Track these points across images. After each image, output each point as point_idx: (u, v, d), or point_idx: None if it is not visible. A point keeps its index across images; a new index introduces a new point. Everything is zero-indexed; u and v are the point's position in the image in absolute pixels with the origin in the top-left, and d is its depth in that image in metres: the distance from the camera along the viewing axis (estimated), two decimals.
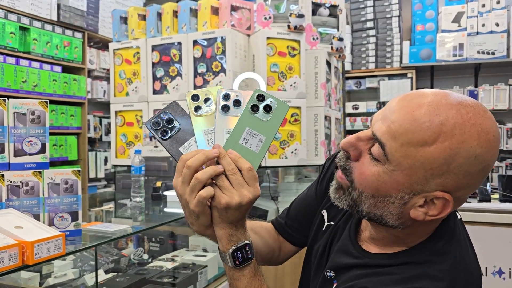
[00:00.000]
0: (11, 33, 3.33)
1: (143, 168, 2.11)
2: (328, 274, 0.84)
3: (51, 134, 3.70)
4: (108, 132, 4.33)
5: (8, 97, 1.50)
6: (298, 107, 2.44)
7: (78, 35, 3.94)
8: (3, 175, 1.22)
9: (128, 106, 2.67)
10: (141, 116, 2.63)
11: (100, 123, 4.33)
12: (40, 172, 1.30)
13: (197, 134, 0.79)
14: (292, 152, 2.43)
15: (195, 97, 0.80)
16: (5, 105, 1.25)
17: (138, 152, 2.13)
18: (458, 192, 0.67)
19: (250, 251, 0.76)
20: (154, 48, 2.58)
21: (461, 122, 0.63)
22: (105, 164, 4.31)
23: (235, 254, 0.75)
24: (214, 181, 0.73)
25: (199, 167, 0.72)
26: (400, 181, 0.67)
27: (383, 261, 0.76)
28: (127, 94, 2.69)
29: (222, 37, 2.36)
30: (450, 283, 0.69)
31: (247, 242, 0.76)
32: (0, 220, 1.11)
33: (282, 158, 2.42)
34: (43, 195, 1.29)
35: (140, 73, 2.63)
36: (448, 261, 0.71)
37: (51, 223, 1.29)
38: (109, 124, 3.83)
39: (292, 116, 2.42)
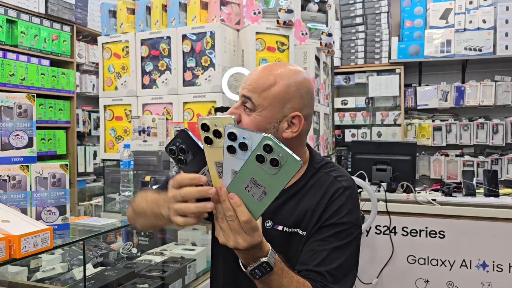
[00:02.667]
0: None
1: (132, 163, 2.11)
2: (267, 224, 1.04)
3: (39, 128, 3.66)
4: (97, 127, 4.30)
5: None
6: None
7: (67, 28, 3.90)
8: None
9: (117, 101, 2.66)
10: (130, 111, 2.62)
11: (89, 118, 4.31)
12: (27, 166, 1.29)
13: (209, 164, 0.78)
14: None
15: (204, 127, 0.77)
16: None
17: (127, 146, 2.13)
18: (304, 111, 1.03)
19: (269, 266, 0.80)
20: (143, 42, 2.57)
21: (287, 70, 1.03)
22: (94, 158, 4.29)
23: (253, 272, 0.80)
24: (214, 217, 0.77)
25: (190, 199, 0.79)
26: (268, 116, 1.00)
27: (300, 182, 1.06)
28: (116, 88, 2.68)
29: (211, 32, 2.36)
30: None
31: (264, 260, 0.79)
32: None
33: None
34: (31, 189, 1.29)
35: (129, 67, 2.62)
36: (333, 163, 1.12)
37: (38, 217, 1.30)
38: (98, 118, 3.81)
39: None
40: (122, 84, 2.65)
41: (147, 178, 2.27)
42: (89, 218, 1.57)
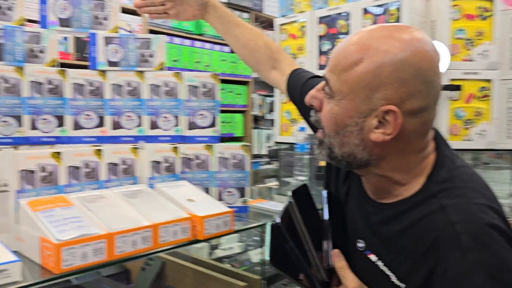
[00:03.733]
0: None
1: (307, 146, 2.02)
2: (359, 245, 0.83)
3: (221, 112, 3.92)
4: (271, 110, 4.40)
5: None
6: (489, 80, 2.04)
7: (246, 15, 4.04)
8: (177, 148, 1.23)
9: None
10: None
11: (264, 102, 4.43)
12: (210, 146, 1.28)
13: None
14: (478, 134, 2.05)
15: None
16: (180, 78, 1.26)
17: (302, 129, 2.04)
18: (405, 104, 0.70)
19: None
20: (320, 20, 2.45)
21: (380, 36, 0.72)
22: (268, 141, 4.41)
23: None
24: None
25: None
26: (348, 107, 0.73)
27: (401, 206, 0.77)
28: None
29: (397, 2, 2.09)
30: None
31: None
32: (174, 191, 1.11)
33: (466, 140, 2.07)
34: (213, 169, 1.28)
35: (305, 47, 2.53)
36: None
37: (219, 198, 1.28)
38: (272, 102, 3.87)
39: (481, 90, 2.04)
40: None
41: (322, 163, 2.16)
42: (266, 202, 1.52)
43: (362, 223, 0.83)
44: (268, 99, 4.45)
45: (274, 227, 0.77)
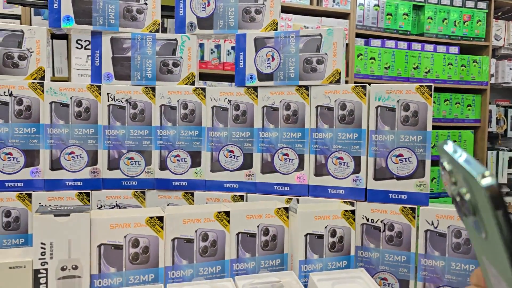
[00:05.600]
0: (403, 14, 2.98)
1: None
2: None
3: (443, 128, 3.17)
4: None
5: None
6: None
7: (482, 4, 3.16)
8: (353, 210, 0.74)
9: None
10: None
11: (505, 115, 3.41)
12: (413, 210, 0.74)
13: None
14: None
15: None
16: (363, 94, 0.77)
17: None
18: None
19: None
20: None
21: None
22: (509, 167, 3.37)
23: None
24: None
25: None
26: None
27: None
28: None
29: None
30: None
31: None
32: None
33: None
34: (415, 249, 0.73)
35: None
36: None
37: None
38: None
39: None
40: None
41: None
42: None
43: None
44: (511, 112, 3.41)
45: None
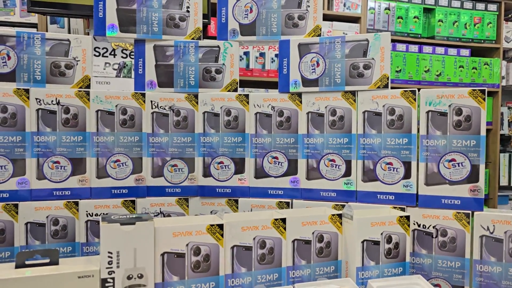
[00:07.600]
0: (414, 17, 2.98)
1: None
2: None
3: None
4: None
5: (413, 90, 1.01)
6: None
7: (493, 7, 3.17)
8: (408, 216, 0.74)
9: None
10: None
11: None
12: (466, 215, 0.74)
13: None
14: None
15: None
16: (413, 99, 0.76)
17: None
18: None
19: None
20: None
21: None
22: None
23: None
24: None
25: None
26: None
27: None
28: None
29: None
30: None
31: None
32: None
33: None
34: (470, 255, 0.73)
35: None
36: None
37: None
38: None
39: None
40: None
41: None
42: None
43: None
44: None
45: None
